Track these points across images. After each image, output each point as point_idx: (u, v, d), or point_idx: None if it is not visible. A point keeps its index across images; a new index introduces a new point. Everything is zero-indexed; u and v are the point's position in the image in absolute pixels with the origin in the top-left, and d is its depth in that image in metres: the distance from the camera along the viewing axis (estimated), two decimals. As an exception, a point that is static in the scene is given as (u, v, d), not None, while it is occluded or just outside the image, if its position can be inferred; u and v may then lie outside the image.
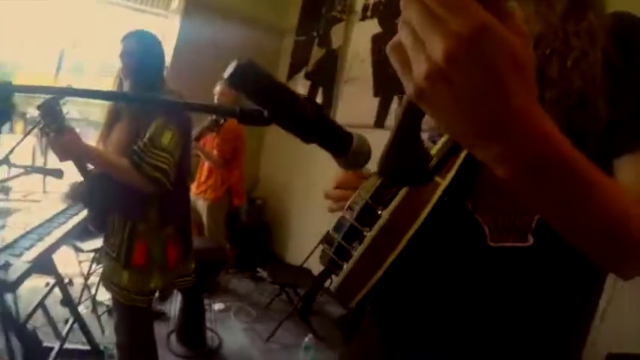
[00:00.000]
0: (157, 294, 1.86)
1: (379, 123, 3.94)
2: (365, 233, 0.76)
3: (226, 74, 0.51)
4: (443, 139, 0.82)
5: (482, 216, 0.77)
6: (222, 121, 3.60)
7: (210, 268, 2.57)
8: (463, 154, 0.75)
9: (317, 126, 0.57)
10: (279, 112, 0.55)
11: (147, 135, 1.63)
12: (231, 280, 3.99)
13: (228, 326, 3.24)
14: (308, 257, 3.48)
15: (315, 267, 3.46)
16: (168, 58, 4.57)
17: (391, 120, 3.79)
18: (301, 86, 5.09)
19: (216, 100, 3.71)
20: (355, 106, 4.28)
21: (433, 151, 0.76)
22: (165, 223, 1.80)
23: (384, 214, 0.73)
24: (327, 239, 0.85)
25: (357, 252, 0.75)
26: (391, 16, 4.01)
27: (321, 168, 4.48)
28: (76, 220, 2.22)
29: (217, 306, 3.39)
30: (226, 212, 3.89)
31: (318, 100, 4.72)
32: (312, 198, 4.56)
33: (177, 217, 1.89)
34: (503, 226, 0.75)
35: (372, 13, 4.27)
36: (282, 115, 0.56)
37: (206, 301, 2.84)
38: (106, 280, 1.81)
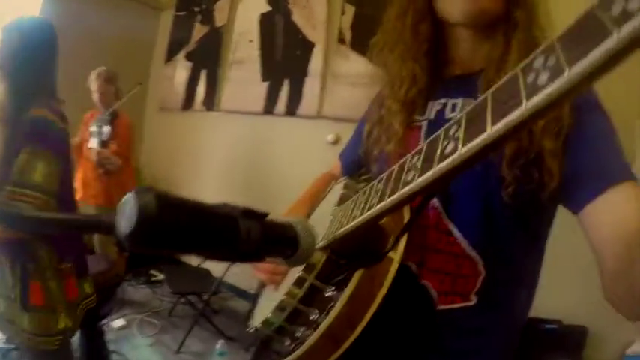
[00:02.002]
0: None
1: (268, 109, 3.80)
2: (312, 316, 0.71)
3: (123, 230, 0.32)
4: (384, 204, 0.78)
5: (430, 279, 0.79)
6: (112, 110, 3.23)
7: (105, 292, 2.33)
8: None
9: (263, 247, 0.44)
10: (215, 256, 0.42)
11: (14, 172, 1.40)
12: (126, 288, 3.67)
13: (134, 343, 3.00)
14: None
15: (212, 266, 3.35)
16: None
17: (281, 106, 3.70)
18: (182, 68, 4.71)
19: (96, 100, 3.25)
20: (242, 90, 4.06)
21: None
22: (61, 261, 1.60)
23: (341, 298, 0.67)
24: (266, 322, 0.78)
25: (311, 338, 0.68)
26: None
27: (208, 152, 4.39)
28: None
29: (117, 323, 3.10)
30: (115, 217, 3.52)
31: (201, 84, 4.46)
32: (201, 187, 4.38)
33: (74, 251, 1.69)
34: (449, 287, 0.78)
35: (261, -10, 4.04)
36: (221, 257, 0.42)
37: (104, 320, 2.59)
38: (6, 322, 1.62)
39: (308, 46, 3.56)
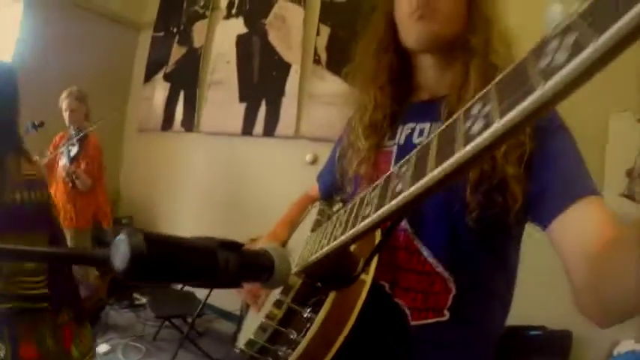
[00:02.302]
0: None
1: (247, 130, 3.83)
2: (292, 336, 0.74)
3: (118, 267, 0.38)
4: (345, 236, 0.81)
5: (402, 298, 0.83)
6: (84, 134, 3.26)
7: (89, 318, 2.30)
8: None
9: (240, 274, 0.49)
10: (197, 284, 0.48)
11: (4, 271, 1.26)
12: (109, 312, 3.62)
13: (120, 369, 2.97)
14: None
15: (196, 288, 3.28)
16: (10, 52, 3.97)
17: (259, 127, 3.73)
18: (160, 89, 4.71)
19: (66, 118, 3.26)
20: (221, 111, 4.09)
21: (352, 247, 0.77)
22: (58, 311, 1.42)
23: (317, 319, 0.71)
24: (249, 343, 0.82)
25: (291, 357, 0.72)
26: (257, 17, 3.90)
27: (188, 173, 4.38)
28: None
29: (102, 348, 3.05)
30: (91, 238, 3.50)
31: (180, 105, 4.46)
32: (180, 209, 4.38)
33: (71, 295, 1.51)
34: (422, 304, 0.81)
35: (238, 12, 4.10)
36: (203, 285, 0.48)
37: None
38: None
39: (284, 67, 3.62)
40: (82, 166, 3.21)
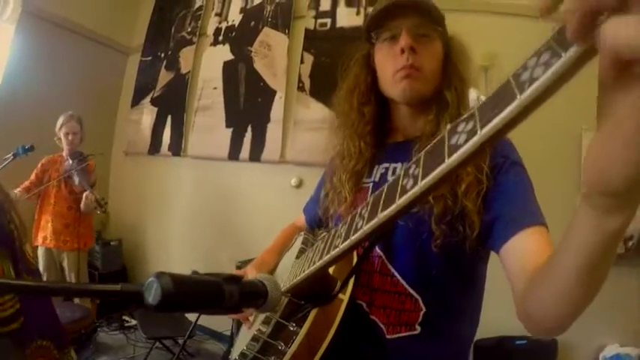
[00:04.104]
0: None
1: (233, 155, 3.88)
2: (280, 347, 0.85)
3: (151, 301, 0.46)
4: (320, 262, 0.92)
5: (378, 315, 0.94)
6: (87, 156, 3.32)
7: (83, 339, 2.33)
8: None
9: (241, 302, 0.58)
10: (209, 312, 0.57)
11: None
12: (99, 334, 3.61)
13: (111, 391, 2.96)
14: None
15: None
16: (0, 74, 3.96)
17: (245, 152, 3.81)
18: (148, 112, 4.73)
19: (66, 142, 3.29)
20: (207, 137, 4.13)
21: (330, 270, 0.90)
22: (32, 338, 1.20)
23: (301, 332, 0.82)
24: (242, 355, 0.92)
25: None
26: (243, 44, 4.01)
27: (175, 198, 4.44)
28: None
29: (92, 371, 3.08)
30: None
31: (167, 129, 4.52)
32: (168, 232, 4.41)
33: (48, 322, 1.35)
34: (395, 320, 0.92)
35: (224, 39, 4.20)
36: (213, 313, 0.57)
37: (79, 368, 2.57)
38: None
39: (270, 94, 3.70)
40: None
